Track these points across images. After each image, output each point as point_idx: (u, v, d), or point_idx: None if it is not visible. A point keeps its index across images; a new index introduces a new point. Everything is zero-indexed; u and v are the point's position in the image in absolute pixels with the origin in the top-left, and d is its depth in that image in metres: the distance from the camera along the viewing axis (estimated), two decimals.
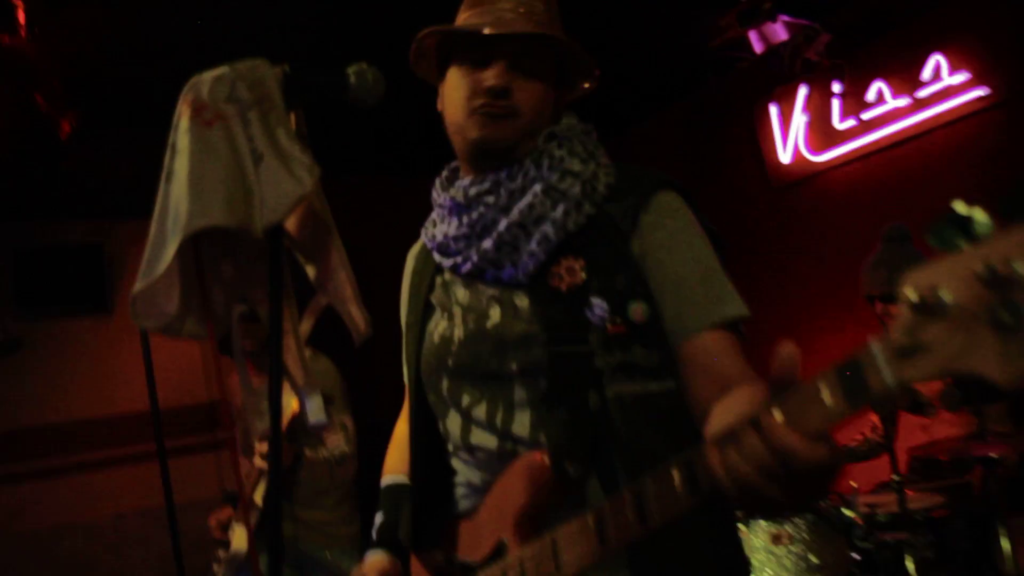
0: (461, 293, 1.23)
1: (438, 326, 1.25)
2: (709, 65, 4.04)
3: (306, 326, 1.24)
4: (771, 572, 2.66)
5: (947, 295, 0.61)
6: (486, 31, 1.17)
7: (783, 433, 0.73)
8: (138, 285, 1.02)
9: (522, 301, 1.15)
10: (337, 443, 2.85)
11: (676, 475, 0.84)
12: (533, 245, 1.14)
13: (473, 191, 1.19)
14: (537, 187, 1.16)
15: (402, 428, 1.44)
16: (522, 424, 1.14)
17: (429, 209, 1.34)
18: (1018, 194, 0.61)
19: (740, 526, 2.68)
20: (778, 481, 0.75)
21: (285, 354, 1.19)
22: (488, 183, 1.19)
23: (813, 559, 2.64)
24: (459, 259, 1.21)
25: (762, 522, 2.73)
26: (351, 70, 1.14)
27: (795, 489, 0.75)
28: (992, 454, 2.50)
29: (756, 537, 2.72)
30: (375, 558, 1.30)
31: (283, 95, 1.12)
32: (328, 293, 1.25)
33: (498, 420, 1.16)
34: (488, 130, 1.17)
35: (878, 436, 3.14)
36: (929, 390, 3.05)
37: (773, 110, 4.24)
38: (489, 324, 1.17)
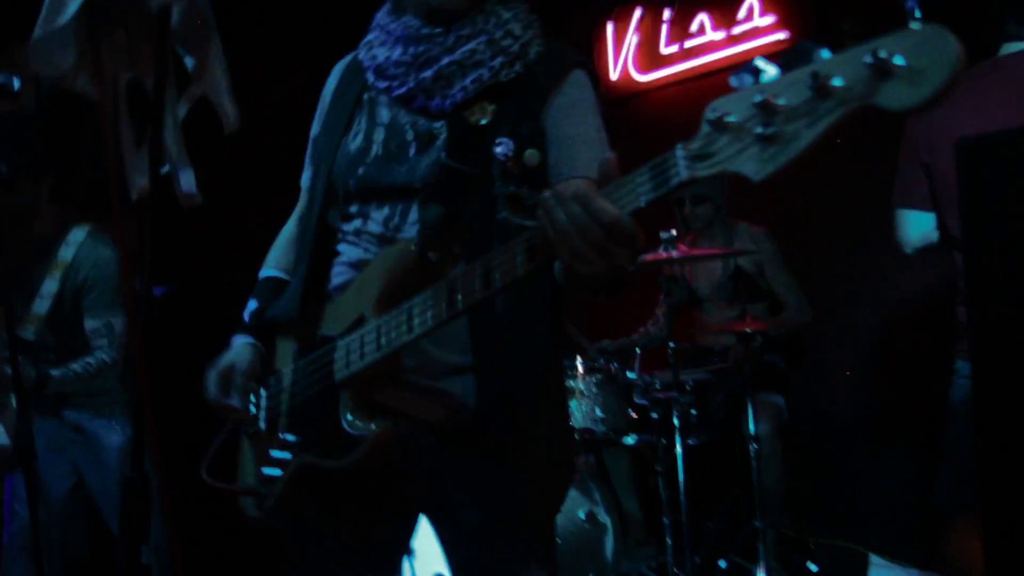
0: (385, 114, 1.40)
1: (356, 139, 1.40)
2: None
3: (181, 109, 1.37)
4: None
5: (732, 116, 0.86)
6: None
7: (601, 201, 0.97)
8: (37, 32, 1.11)
9: (440, 132, 1.35)
10: (97, 354, 2.66)
11: (518, 247, 1.07)
12: (467, 82, 1.34)
13: (425, 31, 1.36)
14: (483, 38, 1.35)
15: (291, 228, 1.58)
16: (411, 226, 1.33)
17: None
18: (792, 52, 0.86)
19: None
20: (596, 245, 0.97)
21: (164, 131, 1.32)
22: (440, 28, 1.36)
23: (599, 412, 3.08)
24: (395, 83, 1.37)
25: None
26: None
27: (608, 252, 0.98)
28: (747, 329, 3.01)
29: None
30: (242, 346, 1.44)
31: None
32: (204, 84, 1.38)
33: (392, 222, 1.35)
34: None
35: (659, 329, 3.64)
36: (709, 282, 3.57)
37: (609, 27, 4.57)
38: (410, 152, 1.35)
